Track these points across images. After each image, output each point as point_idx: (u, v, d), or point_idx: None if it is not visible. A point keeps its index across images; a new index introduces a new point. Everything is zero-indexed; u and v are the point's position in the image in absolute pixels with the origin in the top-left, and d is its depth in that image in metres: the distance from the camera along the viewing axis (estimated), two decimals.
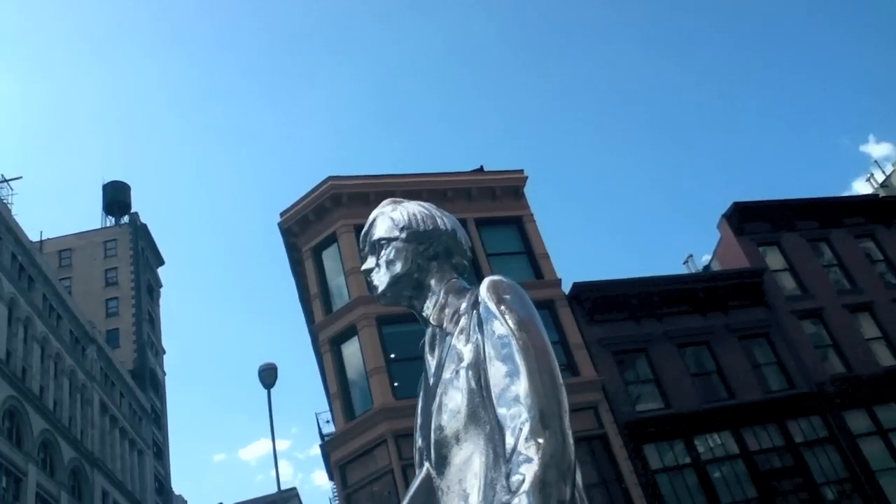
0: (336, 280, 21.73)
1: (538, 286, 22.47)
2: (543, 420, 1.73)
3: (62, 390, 48.92)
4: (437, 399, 2.07)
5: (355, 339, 20.34)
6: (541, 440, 1.70)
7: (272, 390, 16.86)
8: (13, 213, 48.99)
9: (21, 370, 43.65)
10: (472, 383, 1.96)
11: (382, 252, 2.30)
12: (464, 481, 1.91)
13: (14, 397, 41.65)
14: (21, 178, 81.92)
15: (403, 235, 2.27)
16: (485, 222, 23.61)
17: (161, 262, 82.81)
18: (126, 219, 79.71)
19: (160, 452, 69.32)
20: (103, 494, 51.41)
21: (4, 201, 48.57)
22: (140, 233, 77.37)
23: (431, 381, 2.16)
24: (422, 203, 2.37)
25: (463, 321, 2.07)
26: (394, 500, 17.81)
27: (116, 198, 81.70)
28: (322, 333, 21.10)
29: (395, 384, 19.81)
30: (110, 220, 79.57)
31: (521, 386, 1.80)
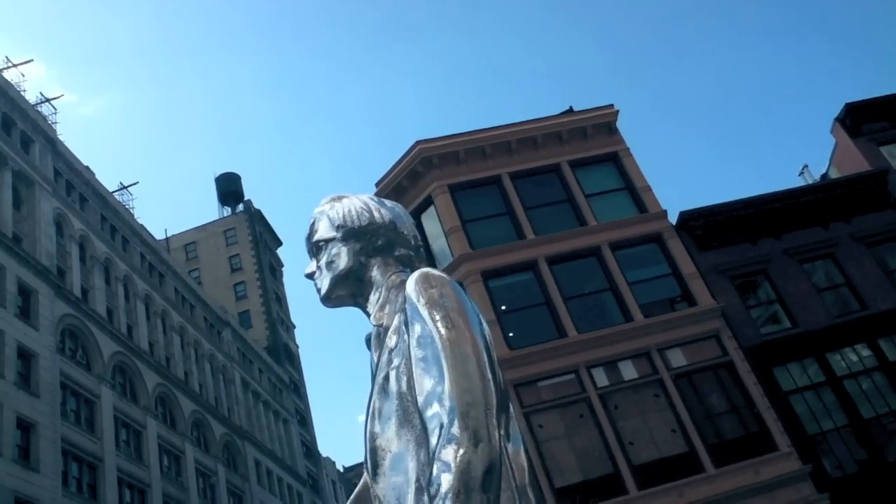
0: (437, 241, 21.95)
1: (642, 221, 21.97)
2: (463, 422, 1.63)
3: (205, 373, 52.01)
4: (371, 404, 2.01)
5: None
6: (458, 445, 1.61)
7: None
8: (136, 216, 51.74)
9: (165, 359, 46.60)
10: (403, 386, 1.88)
11: (322, 254, 2.23)
12: (397, 488, 1.85)
13: (163, 384, 44.50)
14: (138, 182, 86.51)
15: (340, 234, 2.20)
16: (579, 163, 23.17)
17: (279, 243, 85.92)
18: (241, 207, 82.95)
19: (304, 420, 72.78)
20: (256, 464, 54.60)
21: (127, 206, 51.44)
22: (255, 218, 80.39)
23: (371, 384, 2.08)
24: (362, 196, 2.28)
25: (397, 319, 1.99)
26: None
27: (229, 188, 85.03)
28: None
29: (510, 334, 19.96)
30: (226, 210, 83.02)
31: (444, 387, 1.71)
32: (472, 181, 22.36)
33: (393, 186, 22.86)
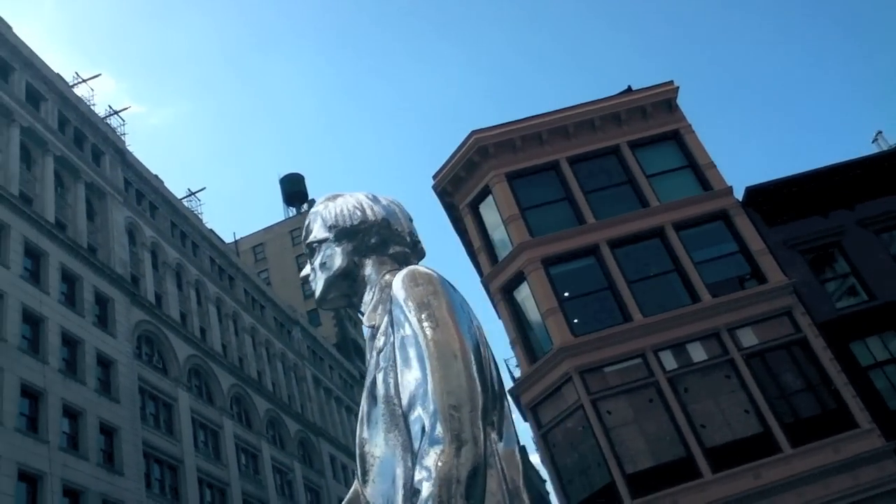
0: (497, 230, 21.85)
1: (707, 199, 21.41)
2: (445, 425, 1.58)
3: (277, 372, 53.04)
4: (360, 409, 1.96)
5: (524, 284, 20.43)
6: (440, 449, 1.56)
7: None
8: (205, 221, 53.01)
9: (238, 360, 47.67)
10: (391, 389, 1.82)
11: (316, 255, 2.20)
12: (386, 495, 1.80)
13: (237, 385, 45.53)
14: (205, 188, 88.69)
15: (332, 235, 2.15)
16: (639, 144, 22.70)
17: None
18: (305, 206, 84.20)
19: None
20: (331, 459, 55.50)
21: (195, 212, 52.74)
22: None
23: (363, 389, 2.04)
24: (357, 194, 2.22)
25: (385, 320, 1.93)
26: (588, 434, 17.89)
27: (294, 189, 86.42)
28: (492, 284, 21.37)
29: (574, 320, 19.74)
30: (292, 211, 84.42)
31: (427, 389, 1.66)
32: (530, 168, 22.16)
33: (450, 178, 22.83)
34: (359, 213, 2.15)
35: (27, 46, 38.13)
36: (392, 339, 1.85)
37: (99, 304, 35.12)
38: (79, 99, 41.88)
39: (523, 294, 20.71)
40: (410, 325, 1.77)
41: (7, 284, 29.29)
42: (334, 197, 2.23)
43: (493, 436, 1.79)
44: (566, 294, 20.24)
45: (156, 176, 48.13)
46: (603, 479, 17.53)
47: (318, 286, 2.18)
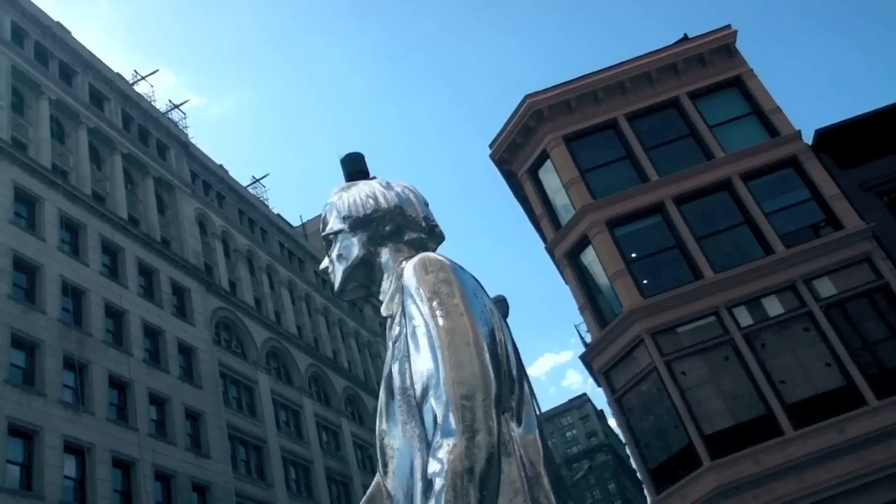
0: (558, 195, 21.49)
1: (775, 145, 20.58)
2: (457, 415, 1.56)
3: (352, 350, 53.89)
4: (379, 400, 1.95)
5: (590, 248, 20.07)
6: (452, 440, 1.54)
7: (511, 320, 17.17)
8: (271, 207, 53.90)
9: (314, 340, 48.58)
10: (407, 381, 1.78)
11: (333, 247, 2.18)
12: (406, 486, 1.79)
13: (314, 365, 46.43)
14: (268, 174, 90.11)
15: (347, 226, 2.13)
16: (699, 94, 21.91)
17: None
18: None
19: None
20: None
21: (261, 199, 53.66)
22: None
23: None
24: (371, 182, 2.18)
25: (400, 309, 1.89)
26: (663, 397, 17.56)
27: (355, 168, 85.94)
28: (557, 250, 21.08)
29: (643, 282, 19.34)
30: None
31: (439, 379, 1.62)
32: (587, 128, 21.67)
33: (507, 146, 22.53)
34: (371, 202, 2.12)
35: (87, 49, 39.16)
36: (405, 328, 1.82)
37: (176, 294, 36.17)
38: (140, 96, 42.89)
39: (589, 258, 20.38)
40: (421, 313, 1.74)
41: (88, 281, 30.40)
42: (348, 187, 2.21)
43: (511, 423, 1.78)
44: (633, 255, 19.82)
45: (220, 166, 49.09)
46: (681, 442, 17.21)
47: (336, 277, 2.18)
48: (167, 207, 40.66)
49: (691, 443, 16.83)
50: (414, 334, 1.75)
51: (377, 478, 1.99)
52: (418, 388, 1.70)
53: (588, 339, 22.20)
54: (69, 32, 38.41)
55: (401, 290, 1.89)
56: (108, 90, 39.57)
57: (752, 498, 16.04)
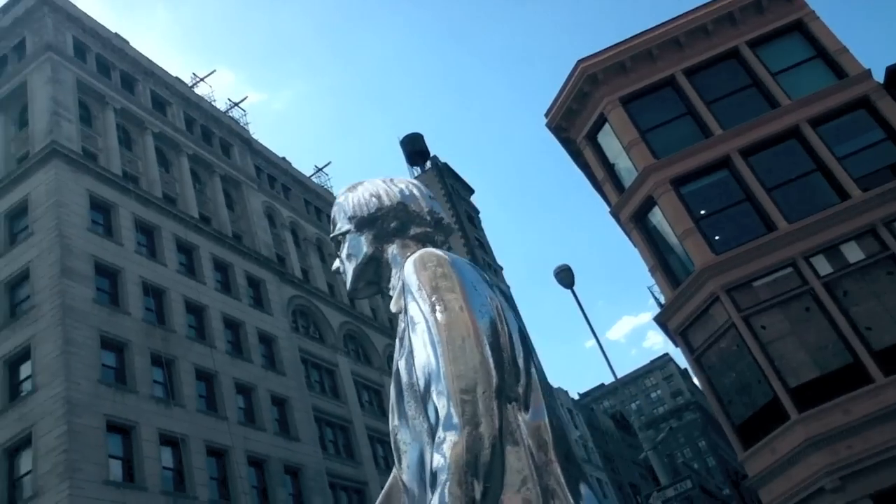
0: (619, 158, 21.22)
1: (843, 87, 19.82)
2: (457, 409, 1.58)
3: None
4: (390, 396, 1.97)
5: (656, 209, 19.80)
6: (454, 434, 1.56)
7: (576, 288, 17.11)
8: (335, 195, 54.51)
9: (388, 321, 49.06)
10: (413, 376, 1.80)
11: (342, 247, 2.22)
12: (418, 481, 1.82)
13: (391, 344, 47.02)
14: (330, 163, 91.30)
15: (353, 225, 2.17)
16: (759, 41, 21.22)
17: (471, 191, 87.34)
18: (428, 164, 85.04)
19: None
20: None
21: (326, 188, 54.43)
22: (444, 172, 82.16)
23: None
24: (375, 180, 2.22)
25: (402, 305, 1.91)
26: (743, 352, 17.29)
27: (415, 148, 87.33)
28: (622, 214, 20.86)
29: (715, 238, 19.00)
30: (416, 170, 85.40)
31: (439, 374, 1.65)
32: (644, 88, 21.27)
33: (562, 114, 22.31)
34: (375, 201, 2.16)
35: (145, 57, 40.25)
36: (408, 324, 1.84)
37: (252, 286, 37.17)
38: (200, 98, 43.92)
39: (656, 219, 20.11)
40: (420, 309, 1.76)
41: (167, 280, 31.50)
42: (354, 187, 2.25)
43: (519, 411, 1.79)
44: (702, 212, 19.46)
45: (283, 158, 49.96)
46: (765, 396, 16.95)
47: (347, 277, 2.21)
48: (235, 203, 41.68)
49: (776, 397, 16.57)
50: (414, 330, 1.77)
51: (394, 472, 2.03)
52: (421, 383, 1.73)
53: (662, 300, 21.95)
54: (127, 42, 39.52)
55: (402, 285, 1.92)
56: (170, 95, 40.63)
57: (845, 448, 15.73)
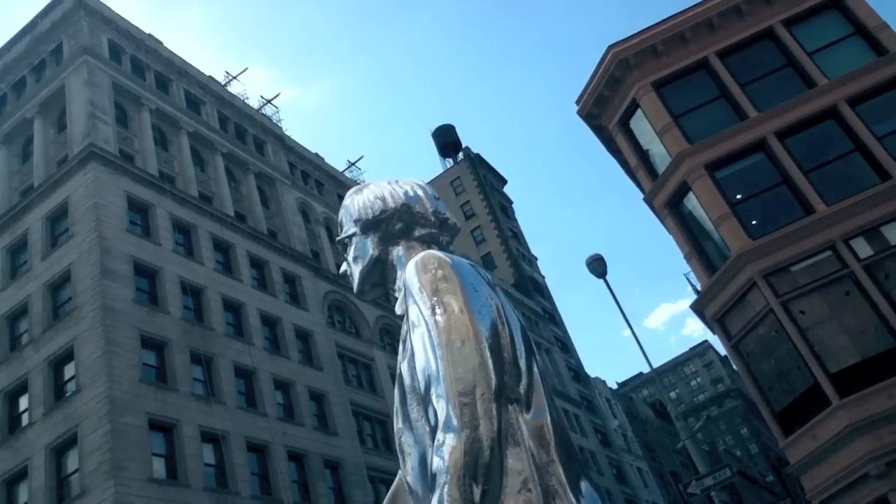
0: (652, 144, 20.94)
1: (883, 65, 19.26)
2: (456, 412, 1.59)
3: None
4: (395, 399, 1.98)
5: (690, 194, 19.50)
6: (452, 437, 1.57)
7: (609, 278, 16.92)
8: None
9: None
10: (415, 378, 1.81)
11: (349, 250, 2.23)
12: (422, 483, 1.82)
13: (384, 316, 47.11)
14: (363, 157, 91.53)
15: (359, 228, 2.18)
16: (795, 20, 20.73)
17: (504, 182, 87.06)
18: (460, 155, 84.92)
19: (565, 346, 73.96)
20: None
21: (359, 181, 54.62)
22: (476, 163, 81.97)
23: None
24: (380, 183, 2.23)
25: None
26: (782, 338, 16.98)
27: (447, 139, 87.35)
28: (656, 201, 20.59)
29: (752, 223, 18.67)
30: (448, 162, 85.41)
31: (438, 377, 1.66)
32: (677, 72, 20.94)
33: (594, 100, 22.07)
34: (379, 203, 2.17)
35: (179, 57, 40.72)
36: (409, 326, 1.86)
37: (287, 282, 37.49)
38: (233, 96, 44.33)
39: (691, 205, 19.82)
40: (421, 312, 1.78)
41: (205, 279, 31.89)
42: (360, 189, 2.26)
43: (520, 412, 1.79)
44: (737, 197, 19.13)
45: (316, 154, 50.26)
46: (805, 382, 16.62)
47: (354, 279, 2.23)
48: (270, 200, 42.04)
49: (817, 383, 16.25)
50: (415, 332, 1.79)
51: (400, 473, 2.04)
52: (422, 385, 1.74)
53: (699, 287, 21.66)
54: (161, 43, 40.01)
55: (404, 288, 1.93)
56: (203, 94, 41.08)
57: (888, 434, 15.38)
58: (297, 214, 42.98)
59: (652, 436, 79.25)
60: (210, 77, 43.03)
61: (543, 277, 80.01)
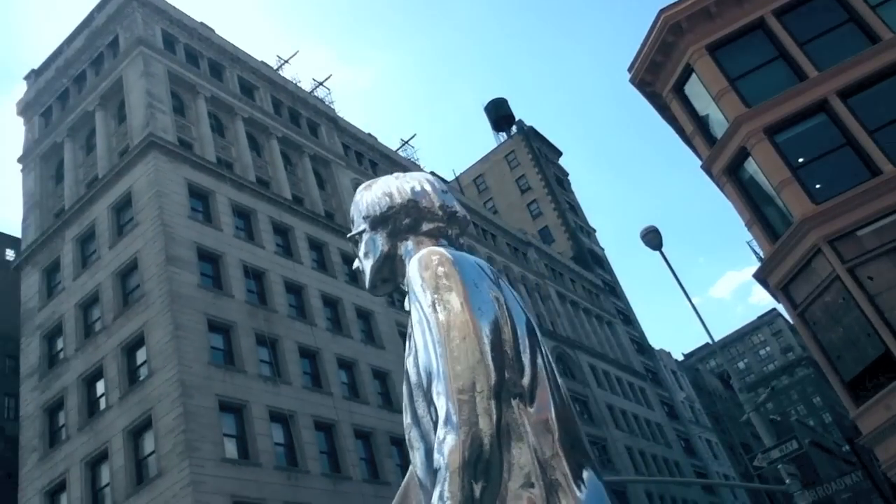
0: (708, 109, 20.41)
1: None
2: (455, 408, 1.60)
3: (521, 294, 54.22)
4: (403, 395, 1.99)
5: (750, 160, 18.97)
6: (452, 434, 1.58)
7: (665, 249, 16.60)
8: (422, 166, 54.92)
9: None
10: (420, 374, 1.83)
11: (360, 247, 2.24)
12: (430, 475, 1.80)
13: None
14: (416, 135, 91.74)
15: (368, 225, 2.20)
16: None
17: (559, 154, 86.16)
18: (514, 129, 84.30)
19: (627, 318, 73.23)
20: (591, 368, 56.30)
21: (413, 160, 54.77)
22: (531, 136, 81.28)
23: None
24: (388, 178, 2.24)
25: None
26: (850, 306, 16.47)
27: (500, 113, 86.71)
28: (714, 167, 20.10)
29: (816, 186, 18.10)
30: (502, 136, 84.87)
31: (439, 373, 1.67)
32: (732, 33, 20.31)
33: (646, 67, 21.59)
34: (386, 199, 2.18)
35: (230, 44, 41.27)
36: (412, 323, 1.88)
37: (346, 263, 37.91)
38: (286, 80, 44.77)
39: (750, 170, 19.30)
40: (422, 309, 1.79)
41: (267, 262, 32.51)
42: (369, 185, 2.28)
43: (524, 407, 1.79)
44: (799, 160, 18.53)
45: (369, 134, 50.50)
46: (876, 350, 16.12)
47: (366, 276, 2.25)
48: (326, 182, 42.49)
49: (888, 350, 15.75)
50: (417, 329, 1.81)
51: (411, 469, 2.06)
52: (424, 382, 1.77)
53: (762, 255, 21.15)
54: (213, 30, 40.60)
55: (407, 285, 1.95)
56: (256, 79, 41.60)
57: None
58: (353, 195, 43.34)
59: (720, 407, 78.15)
60: (262, 62, 43.51)
61: (603, 250, 79.15)
